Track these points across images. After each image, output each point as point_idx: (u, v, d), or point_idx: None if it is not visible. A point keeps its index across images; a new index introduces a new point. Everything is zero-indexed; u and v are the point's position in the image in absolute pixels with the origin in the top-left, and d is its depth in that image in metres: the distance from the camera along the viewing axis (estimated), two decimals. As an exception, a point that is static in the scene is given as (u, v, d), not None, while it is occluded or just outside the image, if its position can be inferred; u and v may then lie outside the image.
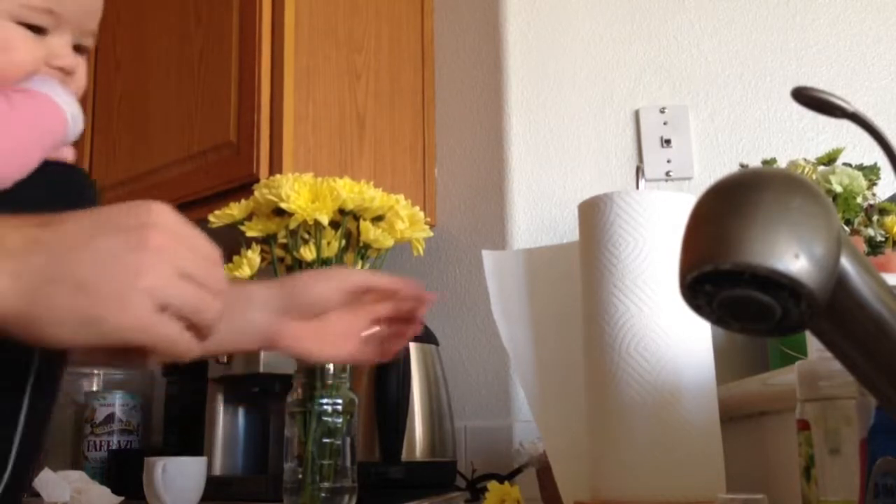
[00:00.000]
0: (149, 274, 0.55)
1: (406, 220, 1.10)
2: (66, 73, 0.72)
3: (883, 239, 1.16)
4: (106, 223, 0.56)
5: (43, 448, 0.77)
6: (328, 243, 1.08)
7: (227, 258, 1.08)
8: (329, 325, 0.86)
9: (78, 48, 0.74)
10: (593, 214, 0.91)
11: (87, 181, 0.76)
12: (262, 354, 1.49)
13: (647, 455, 0.83)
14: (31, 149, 0.68)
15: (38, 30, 0.69)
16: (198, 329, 0.59)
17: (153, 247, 0.56)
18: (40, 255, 0.54)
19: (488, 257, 1.00)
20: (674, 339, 0.85)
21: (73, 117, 0.72)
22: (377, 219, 1.09)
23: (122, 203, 0.58)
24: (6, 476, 0.68)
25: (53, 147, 0.72)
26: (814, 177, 1.18)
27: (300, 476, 1.04)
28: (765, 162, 1.34)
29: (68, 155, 0.76)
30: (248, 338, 0.85)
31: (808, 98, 0.46)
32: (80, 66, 0.74)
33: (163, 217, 0.57)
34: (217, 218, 1.11)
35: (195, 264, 0.58)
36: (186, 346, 0.58)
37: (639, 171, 1.31)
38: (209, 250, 0.60)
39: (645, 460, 0.83)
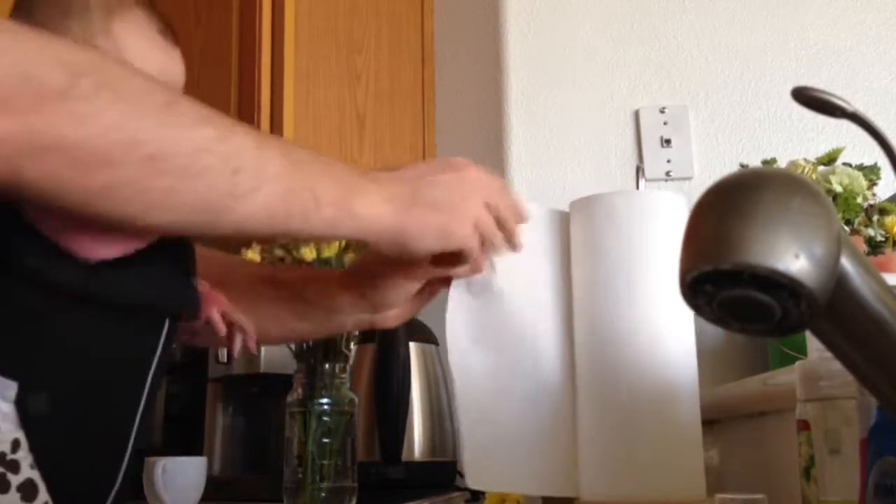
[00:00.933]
0: (473, 198, 0.75)
1: (406, 220, 1.09)
2: None
3: (883, 239, 1.16)
4: (441, 165, 0.77)
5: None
6: (328, 243, 1.08)
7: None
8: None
9: None
10: (584, 215, 0.91)
11: None
12: (263, 355, 1.49)
13: (629, 456, 0.83)
14: None
15: None
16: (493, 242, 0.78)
17: (473, 180, 0.76)
18: (404, 185, 0.72)
19: None
20: (663, 340, 0.85)
21: None
22: (377, 219, 1.09)
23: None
24: (124, 462, 0.73)
25: None
26: (814, 177, 1.18)
27: (300, 476, 1.04)
28: (765, 162, 1.34)
29: None
30: (348, 328, 0.97)
31: (808, 98, 0.46)
32: None
33: (472, 163, 0.78)
34: (217, 218, 1.11)
35: (495, 195, 0.78)
36: (478, 258, 0.79)
37: (639, 170, 1.31)
38: (500, 183, 0.81)
39: (626, 461, 0.83)
